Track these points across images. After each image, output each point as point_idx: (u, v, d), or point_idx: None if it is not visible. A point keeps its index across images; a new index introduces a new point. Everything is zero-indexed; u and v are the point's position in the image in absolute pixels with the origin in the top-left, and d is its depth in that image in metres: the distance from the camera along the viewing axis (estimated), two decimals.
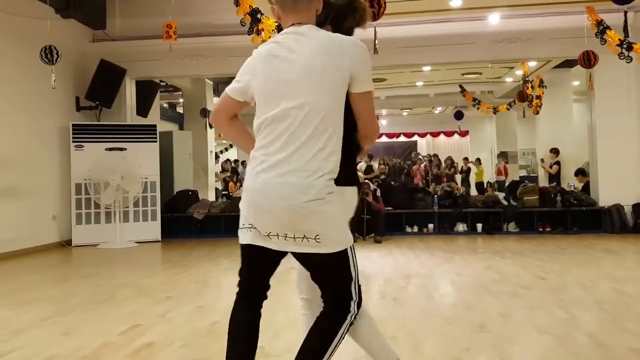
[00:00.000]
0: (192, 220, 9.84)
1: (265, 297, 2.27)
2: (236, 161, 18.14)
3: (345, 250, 2.10)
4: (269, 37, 6.62)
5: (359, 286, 2.16)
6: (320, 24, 2.20)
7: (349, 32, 2.29)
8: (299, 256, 2.15)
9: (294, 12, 2.12)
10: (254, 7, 6.49)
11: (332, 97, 2.02)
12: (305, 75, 2.01)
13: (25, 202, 8.12)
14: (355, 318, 2.13)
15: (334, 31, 2.21)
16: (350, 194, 2.23)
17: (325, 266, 2.11)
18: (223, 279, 6.08)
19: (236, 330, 2.21)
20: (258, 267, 2.22)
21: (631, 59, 7.55)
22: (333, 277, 2.13)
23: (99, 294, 5.00)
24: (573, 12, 8.50)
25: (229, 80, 13.95)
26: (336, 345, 2.09)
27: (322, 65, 2.01)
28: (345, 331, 2.12)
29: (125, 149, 9.15)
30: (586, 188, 9.96)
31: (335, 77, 2.02)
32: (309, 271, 2.23)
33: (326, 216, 2.01)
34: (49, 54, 7.34)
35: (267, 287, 2.27)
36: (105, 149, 9.06)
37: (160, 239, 9.34)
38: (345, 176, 2.13)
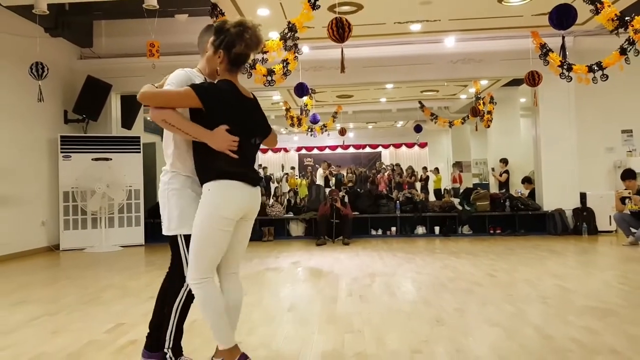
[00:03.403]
0: None
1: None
2: None
3: (175, 237, 2.56)
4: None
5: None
6: (216, 47, 2.44)
7: (237, 57, 2.44)
8: None
9: None
10: None
11: None
12: None
13: (15, 209, 7.92)
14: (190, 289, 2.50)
15: (226, 55, 2.42)
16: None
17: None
18: None
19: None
20: None
21: (571, 78, 7.74)
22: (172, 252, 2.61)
23: (85, 295, 4.90)
24: (519, 37, 8.70)
25: None
26: (179, 305, 2.55)
27: None
28: (183, 296, 2.55)
29: (111, 159, 9.01)
30: (532, 194, 10.15)
31: None
32: None
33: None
34: (38, 70, 7.19)
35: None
36: (92, 159, 8.90)
37: (143, 243, 9.19)
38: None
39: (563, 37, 7.63)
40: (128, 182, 9.03)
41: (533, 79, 8.13)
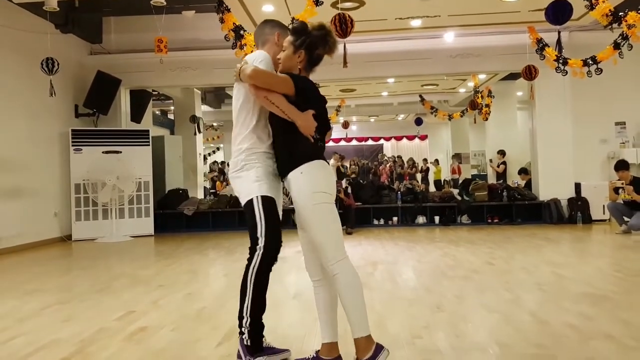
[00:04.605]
0: (182, 216, 9.72)
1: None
2: (223, 162, 17.98)
3: (251, 200, 2.45)
4: (251, 51, 6.61)
5: (267, 229, 2.42)
6: (297, 47, 2.49)
7: (317, 58, 2.54)
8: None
9: None
10: (237, 24, 6.45)
11: None
12: None
13: (29, 201, 7.94)
14: (262, 253, 2.40)
15: (307, 55, 2.49)
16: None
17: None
18: (210, 269, 6.04)
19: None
20: None
21: (566, 72, 7.69)
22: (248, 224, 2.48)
23: (97, 284, 4.91)
24: (517, 32, 8.62)
25: (215, 89, 13.91)
26: (252, 274, 2.40)
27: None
28: (257, 262, 2.40)
29: (121, 152, 9.00)
30: (528, 185, 10.12)
31: None
32: None
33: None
34: (49, 65, 7.17)
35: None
36: (102, 152, 8.89)
37: (153, 234, 9.20)
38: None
39: (559, 32, 7.57)
40: (138, 174, 9.02)
41: (530, 73, 8.07)
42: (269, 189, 2.49)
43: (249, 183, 2.48)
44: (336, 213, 2.46)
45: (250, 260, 2.44)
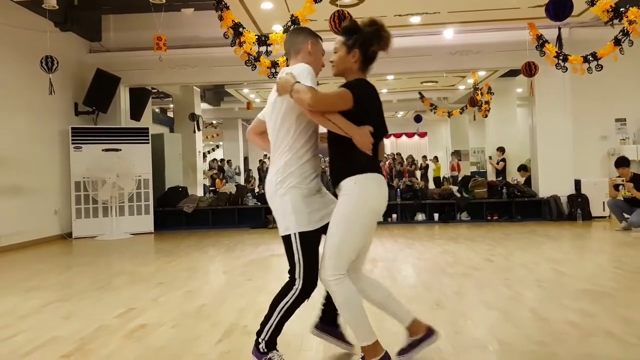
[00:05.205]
0: (182, 213, 9.72)
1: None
2: (222, 160, 17.97)
3: (288, 236, 2.38)
4: (250, 49, 6.59)
5: (305, 269, 2.36)
6: (351, 47, 2.39)
7: (373, 55, 2.42)
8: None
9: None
10: (236, 21, 6.43)
11: None
12: None
13: (29, 199, 7.93)
14: (299, 293, 2.38)
15: (361, 54, 2.39)
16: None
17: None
18: (210, 266, 6.03)
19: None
20: None
21: (566, 69, 7.68)
22: (287, 254, 2.42)
23: (97, 281, 4.91)
24: (517, 28, 8.61)
25: (214, 87, 13.88)
26: (283, 307, 2.39)
27: None
28: (290, 299, 2.39)
29: (120, 150, 8.99)
30: (528, 181, 10.11)
31: None
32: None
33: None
34: (49, 64, 7.15)
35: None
36: (102, 150, 8.88)
37: (153, 231, 9.20)
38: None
39: (559, 29, 7.57)
40: (137, 171, 9.02)
41: (529, 69, 8.07)
42: (309, 220, 2.38)
43: (285, 215, 2.37)
44: (368, 234, 2.40)
45: (285, 292, 2.42)
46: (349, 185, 2.33)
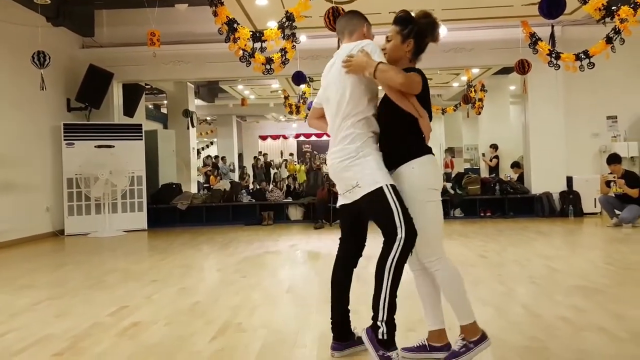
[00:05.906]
0: (175, 210, 9.67)
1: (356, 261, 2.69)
2: (216, 157, 17.92)
3: (380, 188, 2.33)
4: (244, 45, 6.56)
5: (404, 216, 2.31)
6: (406, 36, 2.49)
7: (424, 46, 2.55)
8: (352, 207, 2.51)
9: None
10: (230, 17, 6.39)
11: None
12: None
13: (21, 196, 7.87)
14: (404, 242, 2.29)
15: (415, 44, 2.49)
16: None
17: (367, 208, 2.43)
18: (204, 263, 6.02)
19: (332, 286, 2.72)
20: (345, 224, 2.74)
21: (559, 66, 7.71)
22: (377, 214, 2.37)
23: (90, 279, 4.88)
24: (510, 26, 8.63)
25: (208, 83, 13.82)
26: (392, 266, 2.28)
27: None
28: (397, 253, 2.29)
29: (113, 147, 8.94)
30: (521, 178, 10.15)
31: None
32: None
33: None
34: (40, 59, 7.08)
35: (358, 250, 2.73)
36: (95, 147, 8.82)
37: (146, 228, 9.15)
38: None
39: (552, 27, 7.58)
40: (130, 168, 8.96)
41: (523, 67, 8.09)
42: (391, 179, 2.41)
43: (372, 170, 2.37)
44: (442, 211, 2.47)
45: (388, 250, 2.31)
46: (408, 171, 2.39)
